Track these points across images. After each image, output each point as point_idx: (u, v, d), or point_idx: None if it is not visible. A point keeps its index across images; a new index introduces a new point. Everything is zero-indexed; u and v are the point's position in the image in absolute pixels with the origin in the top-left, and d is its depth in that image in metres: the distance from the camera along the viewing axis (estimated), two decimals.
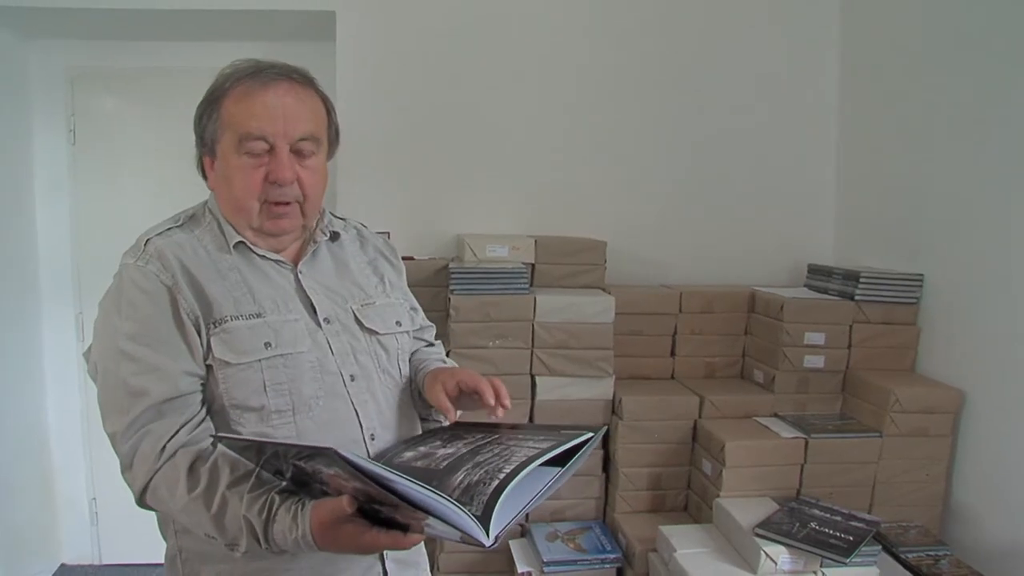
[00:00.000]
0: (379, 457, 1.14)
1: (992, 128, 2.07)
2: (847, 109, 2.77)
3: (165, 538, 1.20)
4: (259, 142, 1.12)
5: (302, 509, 0.98)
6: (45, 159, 3.02)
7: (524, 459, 0.95)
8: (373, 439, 1.18)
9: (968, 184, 2.15)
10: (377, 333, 1.24)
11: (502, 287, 2.32)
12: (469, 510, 0.85)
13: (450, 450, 1.05)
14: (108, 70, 3.00)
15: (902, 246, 2.43)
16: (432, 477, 0.95)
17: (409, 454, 1.10)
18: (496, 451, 1.02)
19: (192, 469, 1.04)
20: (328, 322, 1.19)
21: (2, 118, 2.83)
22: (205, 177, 1.21)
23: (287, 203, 1.16)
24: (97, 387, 1.11)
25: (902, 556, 1.93)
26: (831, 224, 2.84)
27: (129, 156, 3.03)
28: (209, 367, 1.10)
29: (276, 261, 1.20)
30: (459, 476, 0.94)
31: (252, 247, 1.18)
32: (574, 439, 1.02)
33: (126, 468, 1.07)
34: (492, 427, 1.17)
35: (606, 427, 1.01)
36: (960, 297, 2.19)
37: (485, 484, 0.90)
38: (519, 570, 2.13)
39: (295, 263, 1.22)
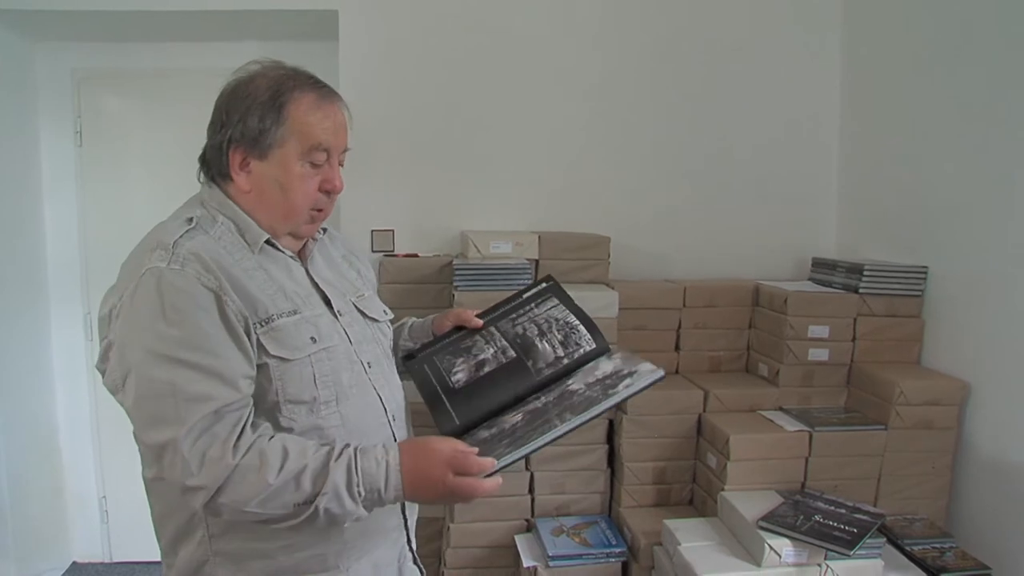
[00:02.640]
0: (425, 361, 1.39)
1: (995, 119, 2.06)
2: (850, 103, 2.76)
3: (178, 549, 1.16)
4: (323, 153, 1.17)
5: (388, 467, 1.07)
6: (52, 160, 3.05)
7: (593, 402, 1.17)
8: (394, 420, 1.24)
9: (971, 176, 2.15)
10: (378, 321, 1.33)
11: (506, 283, 2.33)
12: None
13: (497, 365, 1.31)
14: (114, 72, 3.03)
15: (906, 239, 2.43)
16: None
17: (461, 375, 1.32)
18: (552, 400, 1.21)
19: (271, 454, 1.04)
20: (341, 314, 1.24)
21: (9, 120, 2.86)
22: (228, 176, 1.17)
23: (322, 209, 1.22)
24: (131, 397, 1.05)
25: (907, 548, 1.93)
26: (834, 217, 2.84)
27: (136, 157, 3.06)
28: (260, 366, 1.10)
29: (291, 258, 1.23)
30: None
31: (279, 248, 1.20)
32: (637, 383, 1.20)
33: (191, 474, 1.02)
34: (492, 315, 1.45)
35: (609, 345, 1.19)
36: (964, 289, 2.18)
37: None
38: (525, 564, 2.13)
39: (302, 260, 1.26)
